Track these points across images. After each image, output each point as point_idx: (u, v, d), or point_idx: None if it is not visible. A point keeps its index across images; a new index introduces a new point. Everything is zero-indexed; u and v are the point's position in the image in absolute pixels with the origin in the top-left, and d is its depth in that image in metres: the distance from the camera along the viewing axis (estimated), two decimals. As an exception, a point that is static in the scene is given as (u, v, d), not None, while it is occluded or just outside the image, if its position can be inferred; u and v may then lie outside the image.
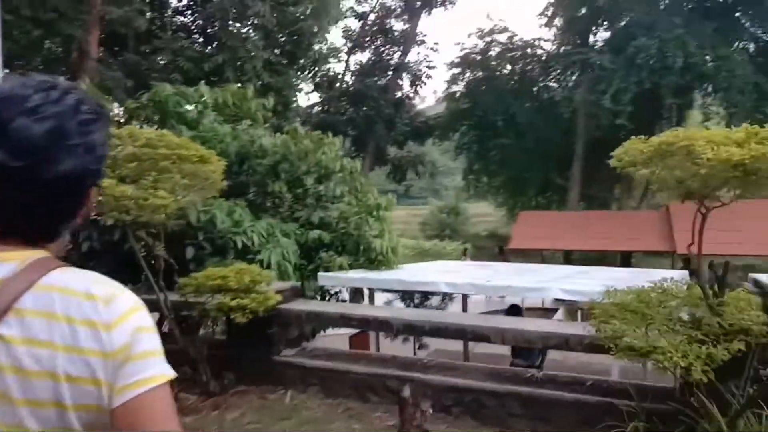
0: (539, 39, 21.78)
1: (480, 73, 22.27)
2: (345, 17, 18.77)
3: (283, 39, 13.77)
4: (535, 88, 21.42)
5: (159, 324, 6.85)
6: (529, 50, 21.39)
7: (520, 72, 21.42)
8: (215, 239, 6.64)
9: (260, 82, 10.67)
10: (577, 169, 18.98)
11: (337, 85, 22.65)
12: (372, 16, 26.06)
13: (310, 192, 8.62)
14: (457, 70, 23.37)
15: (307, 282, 7.36)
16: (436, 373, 4.75)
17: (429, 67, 23.03)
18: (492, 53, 21.74)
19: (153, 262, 5.19)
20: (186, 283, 4.83)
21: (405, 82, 23.36)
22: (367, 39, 25.64)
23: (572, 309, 14.46)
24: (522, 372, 4.66)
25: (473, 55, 22.34)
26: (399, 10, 25.39)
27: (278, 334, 5.36)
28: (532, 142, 19.84)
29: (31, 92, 0.82)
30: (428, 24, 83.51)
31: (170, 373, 0.83)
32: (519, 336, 4.41)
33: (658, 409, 3.83)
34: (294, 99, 15.24)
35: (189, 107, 8.32)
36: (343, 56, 25.50)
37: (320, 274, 7.23)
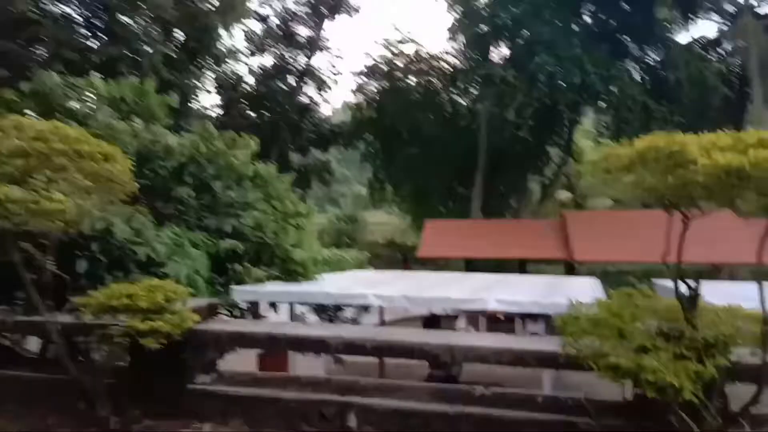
0: (445, 53, 22.18)
1: (386, 83, 22.26)
2: (249, 17, 17.94)
3: (185, 34, 12.79)
4: (440, 101, 21.73)
5: (43, 350, 5.87)
6: (434, 63, 21.69)
7: (425, 84, 21.64)
8: (112, 250, 5.78)
9: (158, 79, 9.68)
10: (480, 179, 19.41)
11: (240, 87, 21.66)
12: (275, 20, 25.33)
13: (220, 198, 7.90)
14: (362, 80, 23.25)
15: (218, 297, 6.66)
16: (378, 395, 4.32)
17: (335, 74, 22.72)
18: (398, 64, 21.81)
19: (36, 277, 4.32)
20: (84, 303, 4.04)
21: (311, 88, 22.86)
22: (270, 42, 24.83)
23: (473, 316, 14.64)
24: (469, 390, 4.36)
25: (380, 65, 22.31)
26: (303, 15, 24.86)
27: (192, 358, 4.67)
28: (437, 153, 20.08)
29: None
30: (333, 31, 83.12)
31: None
32: (470, 353, 4.10)
33: (617, 426, 3.67)
34: (195, 98, 14.24)
35: (76, 102, 7.33)
36: (244, 58, 24.58)
37: (235, 288, 6.56)
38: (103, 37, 11.42)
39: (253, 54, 24.89)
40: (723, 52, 21.24)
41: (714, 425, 2.91)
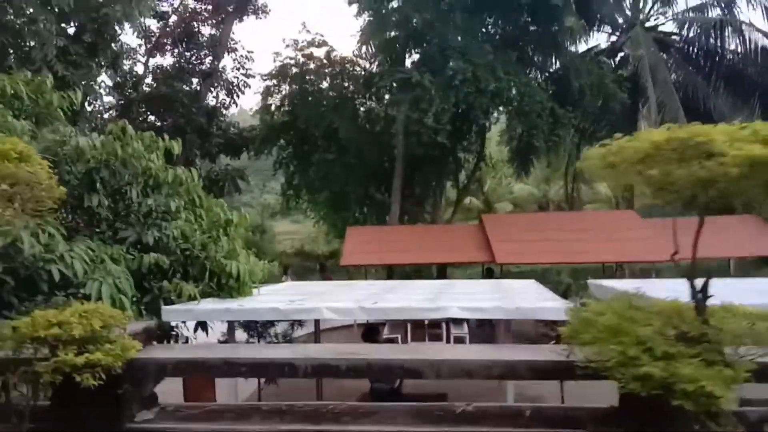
0: (357, 56, 21.92)
1: (296, 87, 21.65)
2: (150, 14, 16.67)
3: (82, 26, 11.53)
4: (355, 105, 21.46)
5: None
6: (348, 66, 21.39)
7: (339, 87, 21.27)
8: (19, 270, 4.91)
9: (52, 75, 8.58)
10: (397, 185, 19.35)
11: (141, 87, 20.14)
12: (174, 18, 23.92)
13: (137, 207, 7.09)
14: (272, 82, 22.45)
15: (142, 318, 5.89)
16: (354, 421, 3.90)
17: (247, 76, 21.72)
18: (310, 67, 21.28)
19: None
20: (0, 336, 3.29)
21: (220, 90, 21.72)
22: (169, 41, 23.40)
23: (398, 323, 14.48)
24: (450, 408, 4.05)
25: (291, 68, 21.65)
26: (206, 14, 23.67)
27: (131, 392, 3.99)
28: (354, 159, 19.77)
29: None
30: (243, 32, 79.91)
31: None
32: (457, 367, 3.79)
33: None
34: (93, 99, 12.89)
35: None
36: (142, 58, 22.95)
37: (166, 308, 5.83)
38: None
39: (151, 53, 23.34)
40: (615, 62, 22.71)
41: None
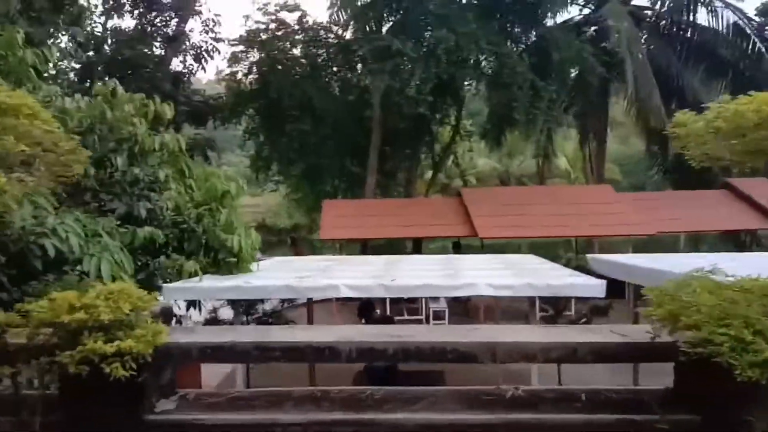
0: (331, 23, 21.13)
1: (267, 54, 20.77)
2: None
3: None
4: (329, 74, 20.77)
5: None
6: (322, 32, 20.63)
7: (313, 55, 20.52)
8: (7, 244, 4.36)
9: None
10: (374, 157, 18.91)
11: (103, 50, 18.87)
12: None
13: (120, 176, 6.52)
14: (240, 48, 21.47)
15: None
16: (399, 408, 3.61)
17: (216, 40, 20.66)
18: (281, 33, 20.42)
19: None
20: (9, 321, 2.83)
21: (187, 55, 20.59)
22: (129, 2, 22.00)
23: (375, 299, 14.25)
24: (498, 392, 3.80)
25: (260, 33, 20.73)
26: (168, -26, 22.29)
27: (150, 381, 3.58)
28: (329, 129, 19.18)
29: None
30: None
31: None
32: (515, 350, 3.53)
33: (684, 420, 3.34)
34: (63, 57, 11.90)
35: None
36: (96, 18, 21.50)
37: (167, 286, 5.37)
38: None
39: (109, 14, 21.91)
40: (587, 35, 22.59)
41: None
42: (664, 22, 23.33)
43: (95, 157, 6.37)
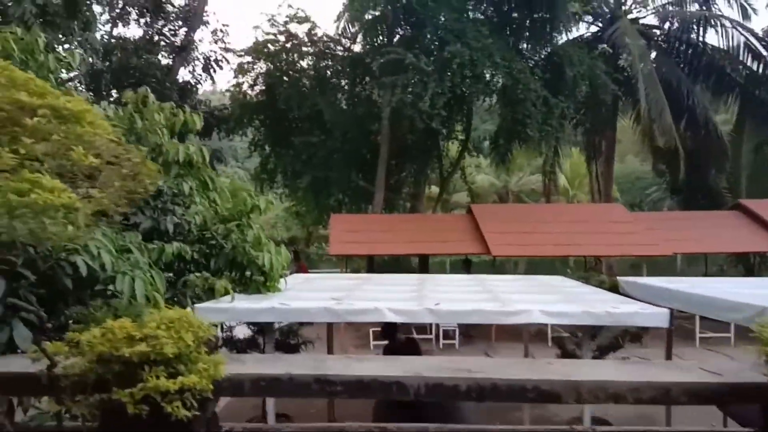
0: (341, 36, 20.98)
1: (275, 65, 20.58)
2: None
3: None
4: (338, 86, 20.59)
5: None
6: (331, 45, 20.46)
7: (322, 68, 20.33)
8: (36, 261, 4.04)
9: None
10: (382, 171, 18.66)
11: (111, 58, 18.59)
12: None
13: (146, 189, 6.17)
14: (247, 59, 21.26)
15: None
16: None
17: (226, 50, 20.45)
18: (290, 44, 20.24)
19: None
20: (56, 351, 2.52)
21: (195, 65, 20.36)
22: (136, 11, 21.80)
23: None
24: (575, 432, 3.49)
25: (268, 45, 20.54)
26: (177, -18, 22.13)
27: (199, 417, 3.25)
28: (338, 143, 18.92)
29: None
30: (216, 4, 74.35)
31: None
32: (601, 390, 3.24)
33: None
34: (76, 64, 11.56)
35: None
36: (100, 26, 21.26)
37: (199, 306, 5.05)
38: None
39: (113, 23, 21.71)
40: (599, 52, 22.54)
41: None
42: (672, 41, 23.35)
43: (119, 168, 6.09)
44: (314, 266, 28.53)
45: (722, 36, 21.78)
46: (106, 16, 21.74)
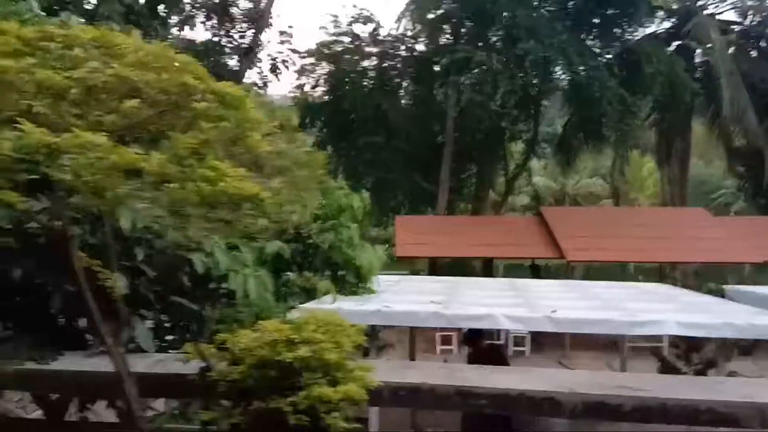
0: (405, 35, 20.75)
1: (339, 66, 20.57)
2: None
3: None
4: (403, 86, 20.40)
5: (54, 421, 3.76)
6: (396, 45, 20.29)
7: (386, 68, 20.17)
8: (158, 259, 3.94)
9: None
10: (446, 172, 18.31)
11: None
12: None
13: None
14: (311, 60, 21.33)
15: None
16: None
17: (293, 51, 20.58)
18: (354, 45, 20.19)
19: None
20: (204, 353, 2.34)
21: (263, 67, 20.58)
22: (203, 14, 22.18)
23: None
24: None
25: (332, 46, 20.55)
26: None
27: None
28: (402, 144, 18.71)
29: None
30: (282, 6, 74.76)
31: None
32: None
33: None
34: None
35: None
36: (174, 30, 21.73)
37: (302, 307, 4.86)
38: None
39: (180, 27, 22.16)
40: (675, 49, 21.51)
41: None
42: (752, 37, 22.05)
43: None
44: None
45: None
46: (174, 19, 22.26)
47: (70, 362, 3.25)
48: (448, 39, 18.91)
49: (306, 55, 21.23)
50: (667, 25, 22.55)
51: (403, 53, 20.88)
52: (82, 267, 2.57)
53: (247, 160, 2.40)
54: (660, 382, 3.25)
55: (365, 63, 21.10)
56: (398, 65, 20.53)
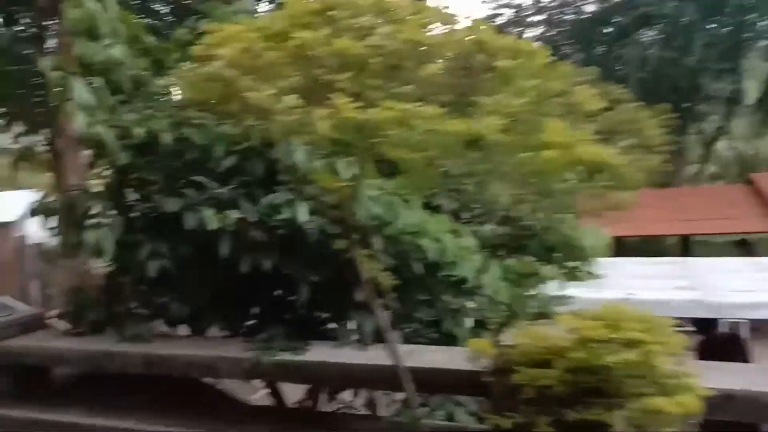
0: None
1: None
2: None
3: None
4: (573, 53, 19.04)
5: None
6: (563, 8, 19.02)
7: (555, 35, 18.99)
8: (389, 243, 3.79)
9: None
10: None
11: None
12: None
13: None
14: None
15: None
16: None
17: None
18: (519, 16, 19.29)
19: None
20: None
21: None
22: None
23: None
24: None
25: (494, 19, 19.84)
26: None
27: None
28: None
29: None
30: None
31: None
32: None
33: None
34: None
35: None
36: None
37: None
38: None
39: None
40: None
41: None
42: None
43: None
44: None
45: None
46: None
47: (323, 353, 3.20)
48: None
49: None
50: None
51: (571, 17, 19.47)
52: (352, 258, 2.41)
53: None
54: None
55: (529, 33, 20.06)
56: (566, 31, 19.18)
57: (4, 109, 9.59)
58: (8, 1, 7.99)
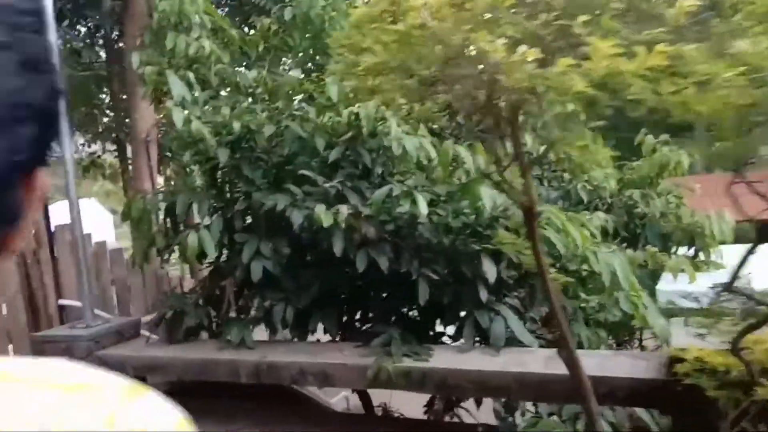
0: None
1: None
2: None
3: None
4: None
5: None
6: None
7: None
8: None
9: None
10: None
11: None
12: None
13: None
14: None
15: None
16: None
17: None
18: None
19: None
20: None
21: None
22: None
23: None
24: None
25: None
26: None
27: None
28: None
29: None
30: None
31: None
32: None
33: None
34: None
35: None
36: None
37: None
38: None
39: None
40: None
41: None
42: None
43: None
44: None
45: None
46: None
47: (450, 359, 2.87)
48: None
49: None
50: None
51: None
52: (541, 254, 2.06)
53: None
54: None
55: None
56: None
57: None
58: (80, 5, 8.03)
